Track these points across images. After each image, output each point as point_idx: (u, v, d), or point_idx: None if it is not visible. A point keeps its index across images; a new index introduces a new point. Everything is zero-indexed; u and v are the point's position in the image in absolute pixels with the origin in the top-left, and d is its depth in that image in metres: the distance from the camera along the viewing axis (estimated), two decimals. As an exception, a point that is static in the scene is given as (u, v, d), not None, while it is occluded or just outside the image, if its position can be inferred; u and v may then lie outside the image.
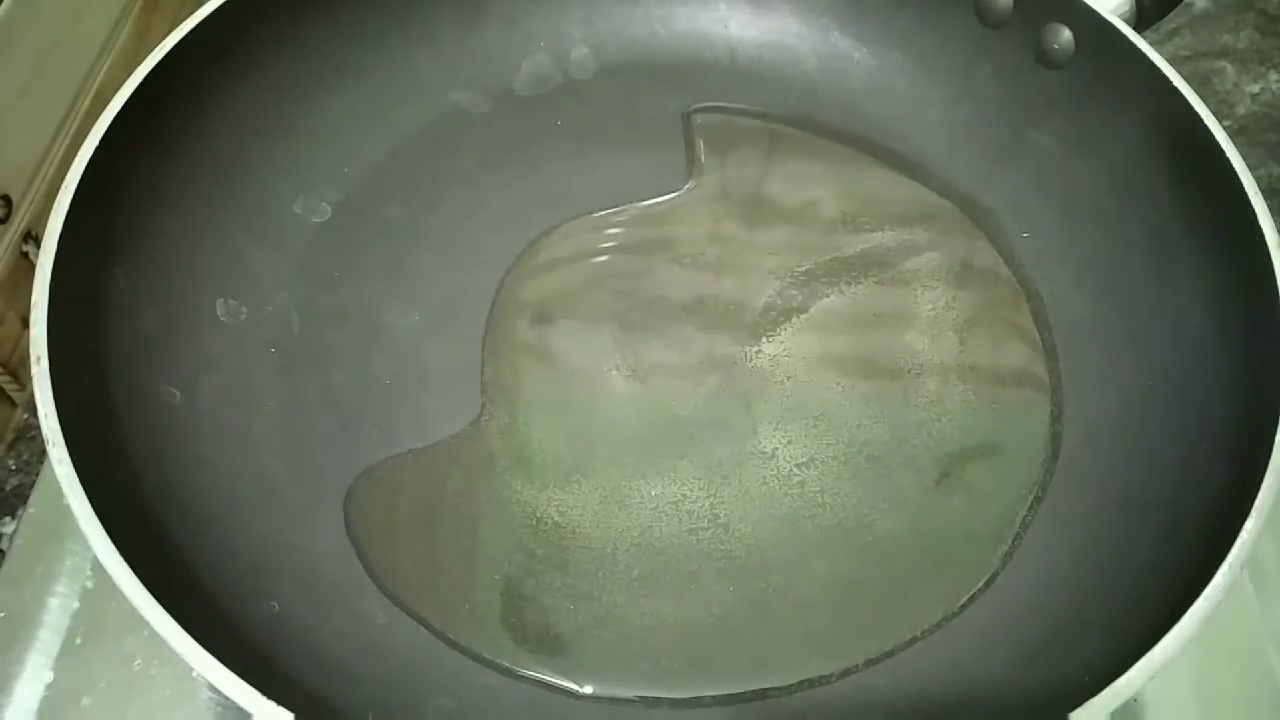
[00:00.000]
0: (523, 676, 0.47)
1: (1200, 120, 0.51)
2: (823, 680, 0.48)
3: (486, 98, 0.65)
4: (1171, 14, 0.60)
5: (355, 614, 0.49)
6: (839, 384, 0.56)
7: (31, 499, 0.57)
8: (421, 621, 0.49)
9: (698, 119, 0.65)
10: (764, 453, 0.53)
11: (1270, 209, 0.48)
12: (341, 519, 0.51)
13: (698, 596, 0.49)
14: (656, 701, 0.47)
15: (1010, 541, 0.51)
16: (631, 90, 0.66)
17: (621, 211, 0.62)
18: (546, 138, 0.64)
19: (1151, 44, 0.55)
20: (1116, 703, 0.39)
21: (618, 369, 0.56)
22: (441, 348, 0.56)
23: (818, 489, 0.52)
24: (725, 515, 0.52)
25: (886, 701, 0.47)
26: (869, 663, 0.48)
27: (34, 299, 0.46)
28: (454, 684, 0.47)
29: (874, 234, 0.61)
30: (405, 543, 0.51)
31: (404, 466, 0.53)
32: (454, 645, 0.48)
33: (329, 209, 0.60)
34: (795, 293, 0.59)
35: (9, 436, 0.61)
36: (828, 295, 0.59)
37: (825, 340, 0.57)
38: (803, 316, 0.58)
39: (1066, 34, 0.58)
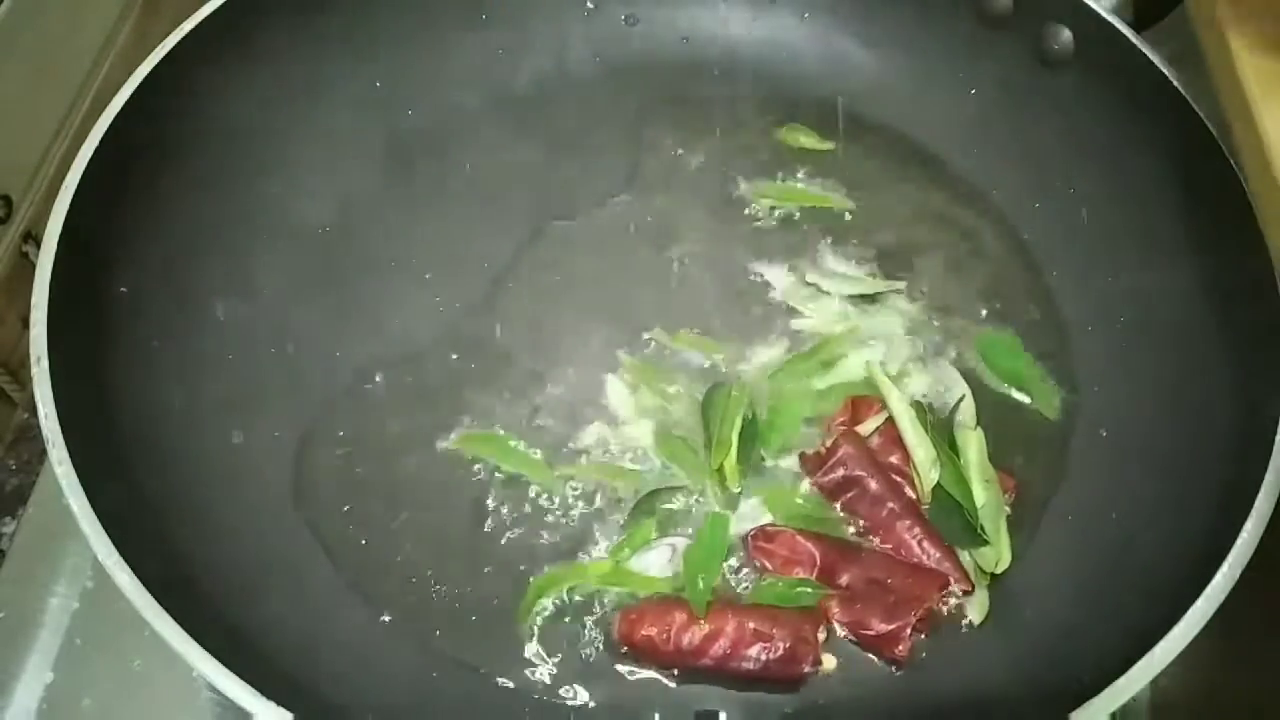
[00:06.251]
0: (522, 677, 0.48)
1: (1200, 119, 0.51)
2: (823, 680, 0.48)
3: (486, 98, 0.65)
4: (1171, 14, 0.60)
5: (355, 615, 0.49)
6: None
7: (31, 499, 0.57)
8: (422, 624, 0.49)
9: (697, 118, 0.65)
10: (770, 460, 0.53)
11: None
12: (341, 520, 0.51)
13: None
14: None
15: (1011, 541, 0.51)
16: (631, 90, 0.66)
17: (621, 208, 0.62)
18: (546, 136, 0.64)
19: (1151, 44, 0.55)
20: (1117, 703, 0.39)
21: (615, 369, 0.56)
22: (442, 347, 0.56)
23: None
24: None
25: (887, 701, 0.47)
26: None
27: (34, 299, 0.46)
28: (454, 684, 0.47)
29: (876, 234, 0.61)
30: (401, 548, 0.51)
31: (401, 471, 0.53)
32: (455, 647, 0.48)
33: (328, 209, 0.60)
34: (799, 289, 0.59)
35: (9, 436, 0.61)
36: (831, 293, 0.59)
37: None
38: (804, 315, 0.58)
39: (1066, 34, 0.58)
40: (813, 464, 0.52)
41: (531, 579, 0.50)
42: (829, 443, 0.52)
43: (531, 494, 0.52)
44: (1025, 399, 0.55)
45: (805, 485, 0.52)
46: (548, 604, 0.49)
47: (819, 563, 0.49)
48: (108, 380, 0.48)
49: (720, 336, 0.57)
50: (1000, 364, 0.56)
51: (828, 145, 0.64)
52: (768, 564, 0.50)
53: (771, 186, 0.63)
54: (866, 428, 0.53)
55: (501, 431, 0.54)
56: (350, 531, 0.51)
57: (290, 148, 0.60)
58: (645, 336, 0.57)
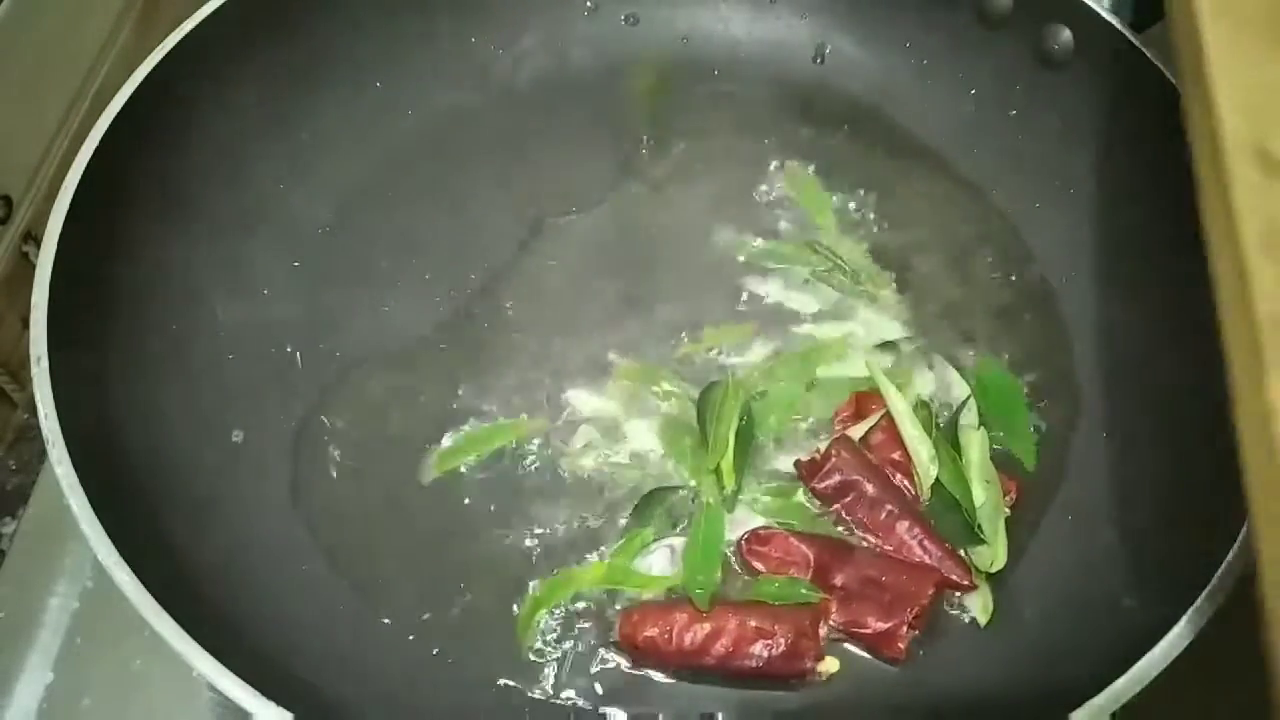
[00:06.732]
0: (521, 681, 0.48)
1: (1200, 120, 0.51)
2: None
3: (486, 98, 0.65)
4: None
5: (355, 615, 0.49)
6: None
7: (31, 499, 0.57)
8: (422, 624, 0.49)
9: (697, 118, 0.65)
10: (768, 459, 0.53)
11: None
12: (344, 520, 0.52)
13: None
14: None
15: (1012, 541, 0.51)
16: (630, 89, 0.66)
17: (620, 208, 0.62)
18: (545, 136, 0.64)
19: (1151, 44, 0.55)
20: (1117, 703, 0.39)
21: (611, 369, 0.56)
22: (442, 347, 0.56)
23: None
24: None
25: (887, 701, 0.47)
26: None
27: (34, 299, 0.46)
28: (454, 684, 0.47)
29: (878, 234, 0.61)
30: (400, 548, 0.51)
31: (400, 471, 0.53)
32: (455, 647, 0.48)
33: (329, 208, 0.60)
34: (796, 289, 0.59)
35: (9, 436, 0.61)
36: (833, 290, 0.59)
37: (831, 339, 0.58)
38: (803, 315, 0.58)
39: (1066, 34, 0.58)
40: (809, 470, 0.52)
41: (530, 585, 0.49)
42: (822, 449, 0.52)
43: (530, 495, 0.52)
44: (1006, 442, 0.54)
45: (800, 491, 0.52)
46: (547, 612, 0.49)
47: (813, 564, 0.49)
48: (107, 380, 0.48)
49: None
50: (991, 403, 0.55)
51: (828, 144, 0.64)
52: (762, 567, 0.50)
53: (771, 185, 0.63)
54: (859, 430, 0.53)
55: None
56: (350, 531, 0.51)
57: (290, 148, 0.60)
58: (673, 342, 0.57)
